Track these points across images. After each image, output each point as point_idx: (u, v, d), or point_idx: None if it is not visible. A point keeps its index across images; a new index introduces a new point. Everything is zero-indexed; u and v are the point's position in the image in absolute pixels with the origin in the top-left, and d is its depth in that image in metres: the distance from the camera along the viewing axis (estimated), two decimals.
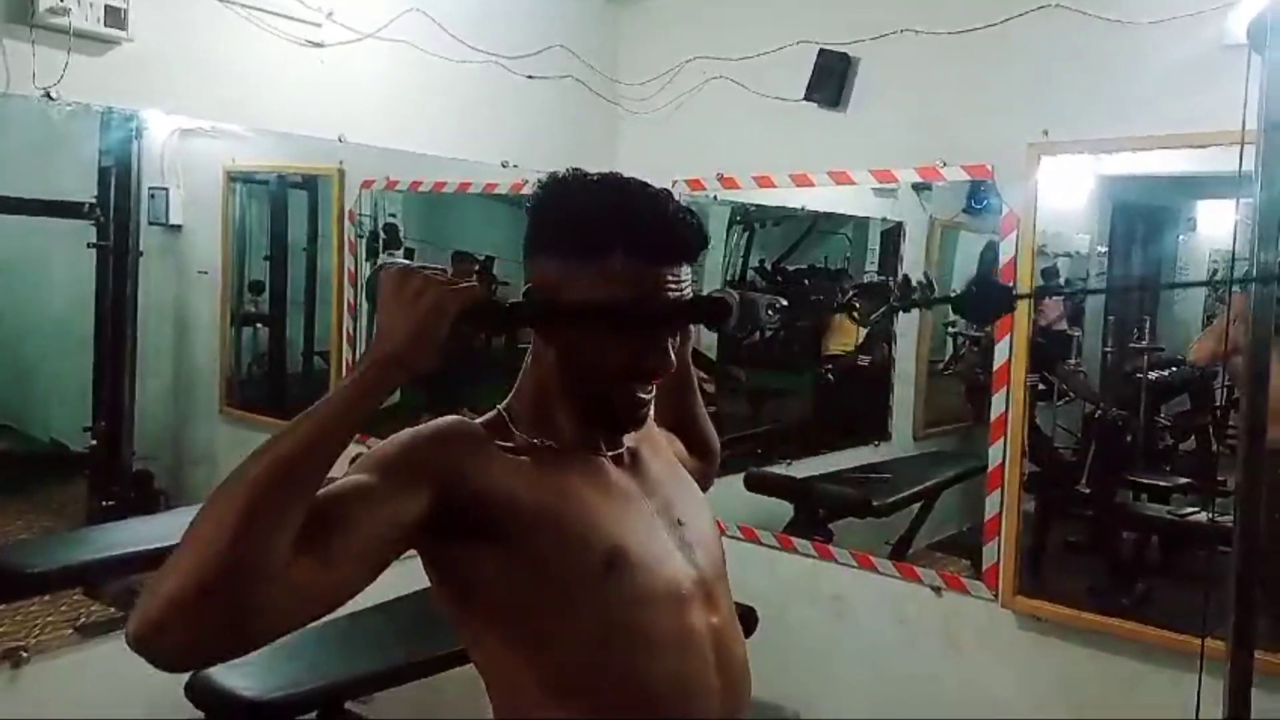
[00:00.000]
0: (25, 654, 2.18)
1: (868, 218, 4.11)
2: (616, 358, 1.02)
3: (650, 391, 1.06)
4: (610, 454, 1.10)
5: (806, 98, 2.85)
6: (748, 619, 2.65)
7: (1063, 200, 3.37)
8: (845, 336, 4.21)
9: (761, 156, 3.00)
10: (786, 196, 3.24)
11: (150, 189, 2.87)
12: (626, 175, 1.06)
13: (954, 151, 2.65)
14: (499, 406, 1.09)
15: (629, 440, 1.13)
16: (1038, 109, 2.49)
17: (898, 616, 2.81)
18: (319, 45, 2.48)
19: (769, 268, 4.26)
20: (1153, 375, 3.53)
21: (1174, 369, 3.60)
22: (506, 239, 3.76)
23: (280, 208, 3.38)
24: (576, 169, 1.06)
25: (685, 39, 3.12)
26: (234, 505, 0.79)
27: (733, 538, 3.10)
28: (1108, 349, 3.81)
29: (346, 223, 3.14)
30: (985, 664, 2.65)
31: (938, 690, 2.72)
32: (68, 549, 2.61)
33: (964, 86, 2.63)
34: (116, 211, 2.76)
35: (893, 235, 4.45)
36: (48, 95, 1.99)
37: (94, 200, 2.72)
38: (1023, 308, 2.55)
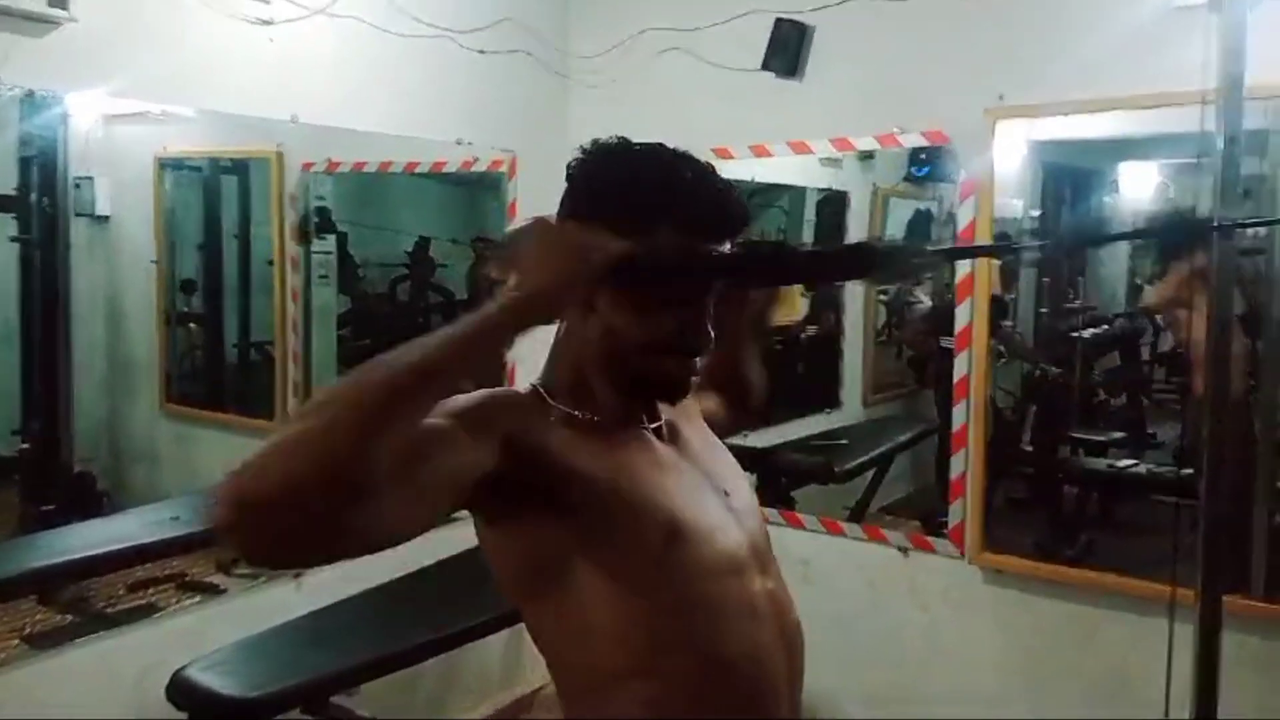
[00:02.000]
0: None
1: (804, 188, 4.15)
2: (670, 329, 1.00)
3: (698, 364, 1.05)
4: (650, 426, 1.09)
5: (763, 68, 2.85)
6: None
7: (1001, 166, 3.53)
8: (791, 308, 4.23)
9: (719, 129, 2.99)
10: (739, 169, 3.25)
11: (75, 179, 2.72)
12: (670, 147, 1.04)
13: (911, 118, 2.68)
14: (532, 382, 1.07)
15: (665, 412, 1.12)
16: (993, 74, 2.54)
17: (866, 579, 2.85)
18: (268, 23, 2.38)
19: None
20: (1087, 334, 3.68)
21: (1106, 326, 3.76)
22: (442, 220, 3.69)
23: (214, 194, 3.25)
24: (622, 138, 1.03)
25: (637, 10, 3.08)
26: (348, 415, 0.77)
27: None
28: (1043, 309, 3.97)
29: (287, 206, 3.03)
30: (956, 619, 2.72)
31: (910, 647, 2.79)
32: (19, 554, 2.49)
33: (920, 53, 2.67)
34: (40, 203, 2.62)
35: (830, 205, 4.52)
36: None
37: (14, 191, 2.58)
38: (983, 270, 2.60)
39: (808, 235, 4.17)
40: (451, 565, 2.55)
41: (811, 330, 4.35)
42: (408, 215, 3.63)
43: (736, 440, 3.53)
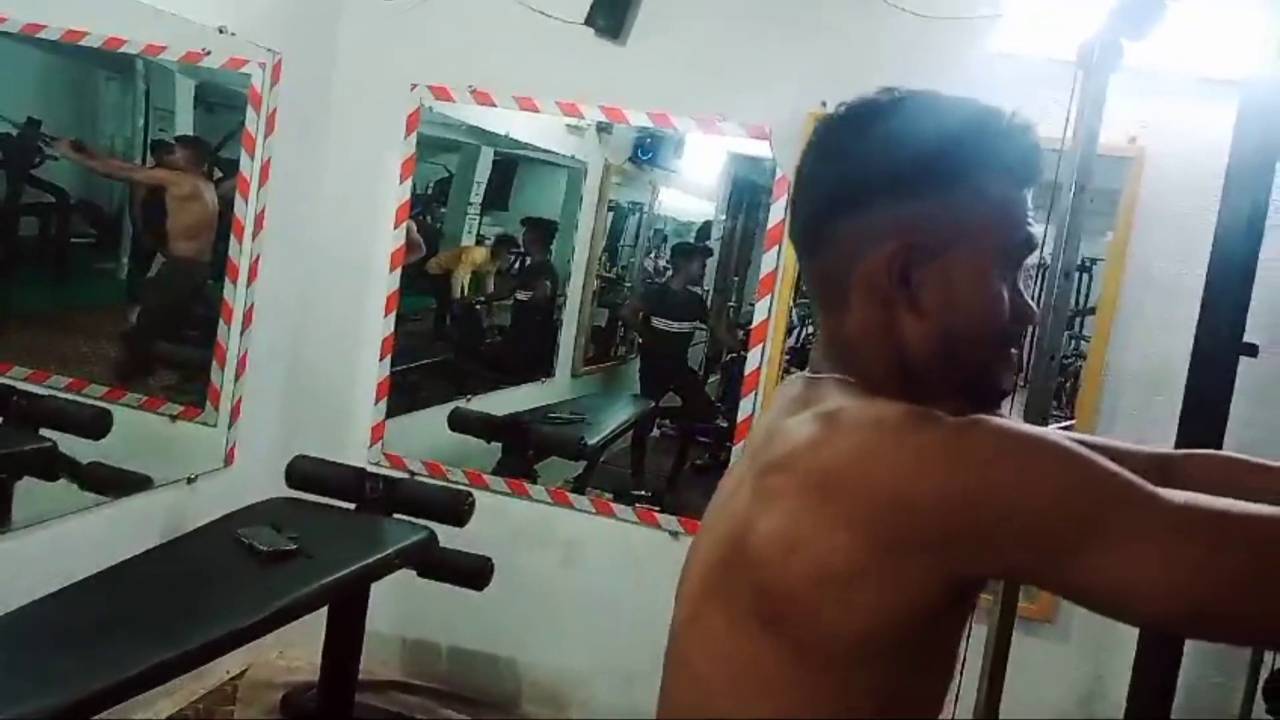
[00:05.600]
0: None
1: (478, 146, 4.03)
2: (1009, 311, 0.84)
3: None
4: None
5: (586, 22, 2.68)
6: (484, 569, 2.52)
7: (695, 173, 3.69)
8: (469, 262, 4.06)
9: (526, 77, 2.77)
10: (493, 119, 3.03)
11: None
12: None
13: (733, 108, 2.67)
14: (835, 375, 0.87)
15: None
16: (818, 79, 2.60)
17: (632, 559, 2.84)
18: None
19: None
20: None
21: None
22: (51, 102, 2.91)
23: None
24: (884, 90, 0.88)
25: None
26: None
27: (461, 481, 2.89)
28: (730, 303, 4.31)
29: None
30: None
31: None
32: None
33: (750, 44, 2.66)
34: None
35: (504, 170, 4.44)
36: None
37: None
38: (788, 269, 2.68)
39: (476, 197, 4.07)
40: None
41: (524, 296, 4.25)
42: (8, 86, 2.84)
43: (459, 403, 3.38)
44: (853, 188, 0.84)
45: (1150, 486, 0.70)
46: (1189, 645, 2.09)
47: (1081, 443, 0.99)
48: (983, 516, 0.70)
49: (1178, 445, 2.13)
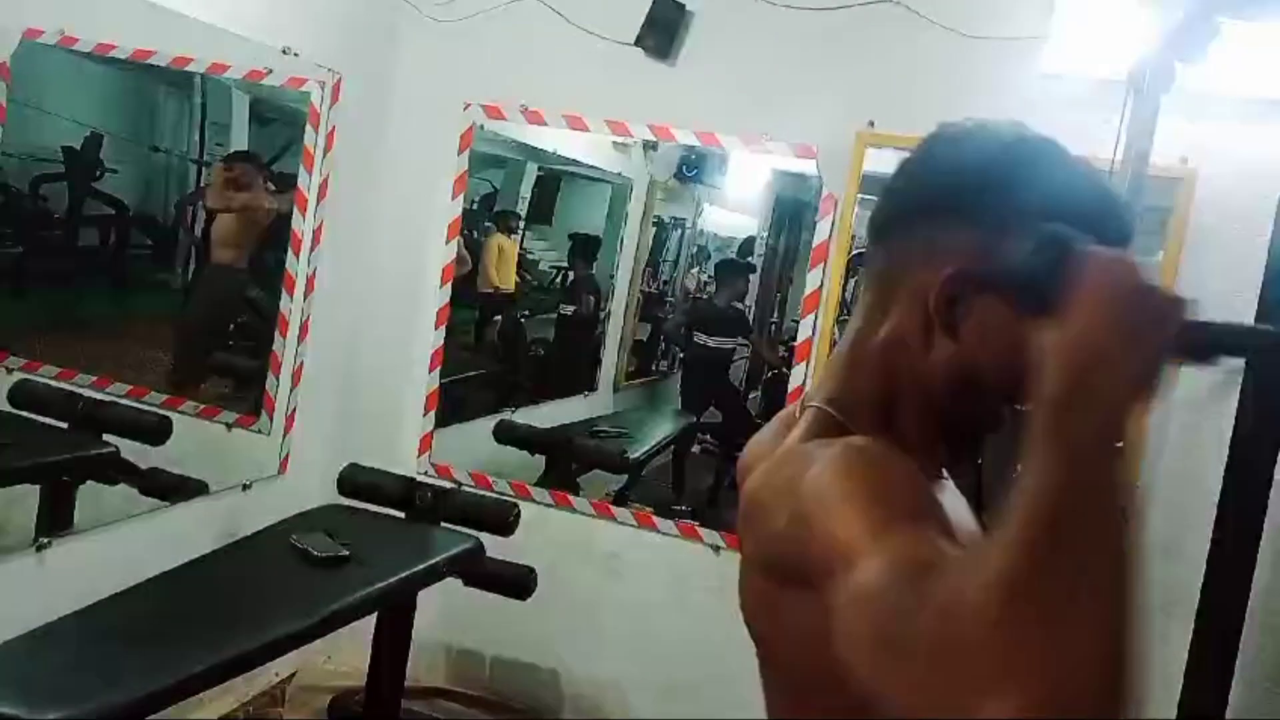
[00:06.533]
0: None
1: (523, 162, 4.10)
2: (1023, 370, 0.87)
3: None
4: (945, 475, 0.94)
5: (636, 43, 2.72)
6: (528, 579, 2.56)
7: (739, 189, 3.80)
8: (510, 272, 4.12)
9: (576, 96, 2.81)
10: (531, 134, 3.07)
11: None
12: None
13: (780, 128, 2.70)
14: (817, 403, 0.89)
15: None
16: (865, 99, 2.63)
17: (675, 574, 2.86)
18: None
19: None
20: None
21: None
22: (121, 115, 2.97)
23: None
24: (1013, 121, 0.87)
25: None
26: (1110, 606, 0.57)
27: (500, 491, 2.93)
28: (772, 320, 4.36)
29: None
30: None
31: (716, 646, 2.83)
32: None
33: (798, 63, 2.68)
34: None
35: (548, 185, 4.50)
36: None
37: None
38: (833, 288, 2.69)
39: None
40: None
41: (568, 310, 4.30)
42: (75, 101, 2.90)
43: (505, 415, 3.43)
44: (936, 196, 0.86)
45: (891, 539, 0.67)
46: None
47: None
48: (788, 545, 0.77)
49: (1228, 469, 2.13)
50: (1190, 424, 2.40)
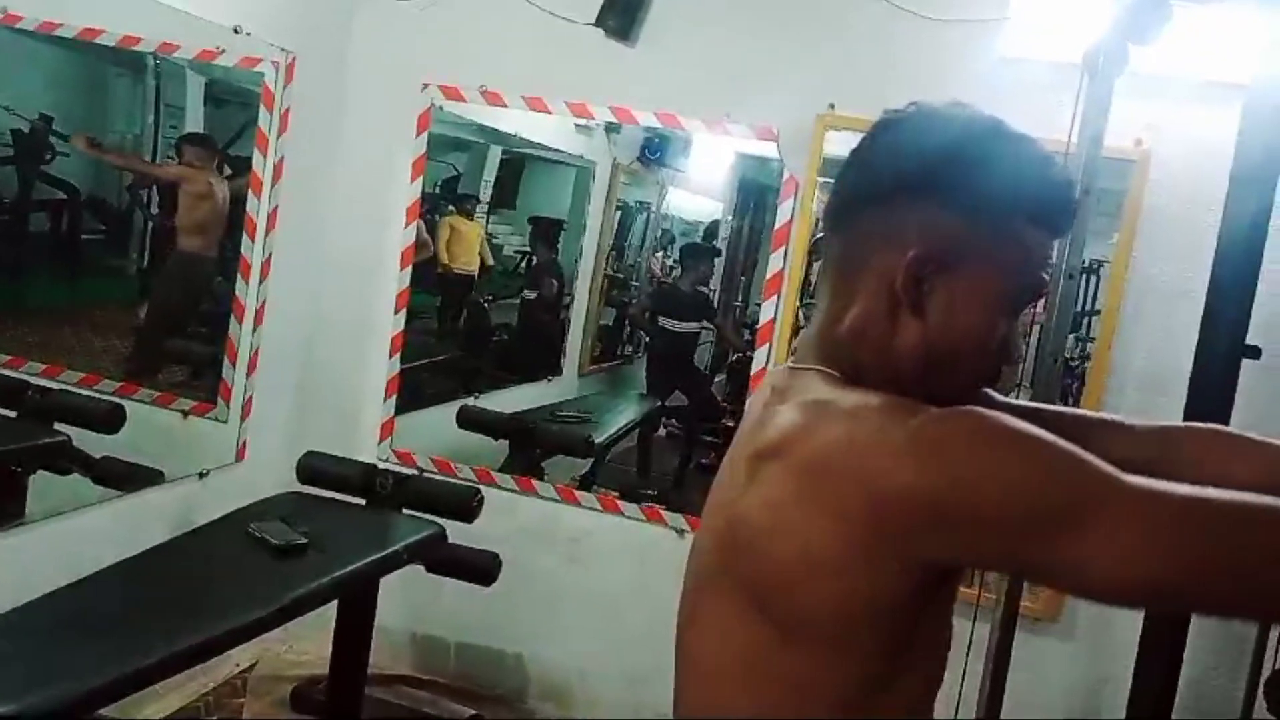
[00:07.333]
0: None
1: (486, 145, 4.06)
2: (1001, 339, 0.88)
3: None
4: None
5: (596, 24, 2.70)
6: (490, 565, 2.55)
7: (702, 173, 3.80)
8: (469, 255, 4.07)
9: (536, 77, 2.79)
10: (492, 117, 3.04)
11: None
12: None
13: (741, 108, 2.69)
14: (819, 366, 0.90)
15: None
16: (826, 82, 2.62)
17: (640, 559, 2.86)
18: None
19: None
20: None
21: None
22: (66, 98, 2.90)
23: None
24: (956, 103, 0.89)
25: None
26: None
27: (472, 480, 2.91)
28: (736, 303, 4.36)
29: None
30: None
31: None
32: None
33: (758, 45, 2.67)
34: None
35: (512, 169, 4.46)
36: None
37: None
38: (795, 271, 2.70)
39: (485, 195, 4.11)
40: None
41: (531, 295, 4.28)
42: (22, 83, 2.83)
43: (468, 400, 3.41)
44: (895, 181, 0.87)
45: (1115, 474, 0.73)
46: (1190, 644, 2.10)
47: (1080, 419, 1.02)
48: (951, 508, 0.74)
49: None
50: None
